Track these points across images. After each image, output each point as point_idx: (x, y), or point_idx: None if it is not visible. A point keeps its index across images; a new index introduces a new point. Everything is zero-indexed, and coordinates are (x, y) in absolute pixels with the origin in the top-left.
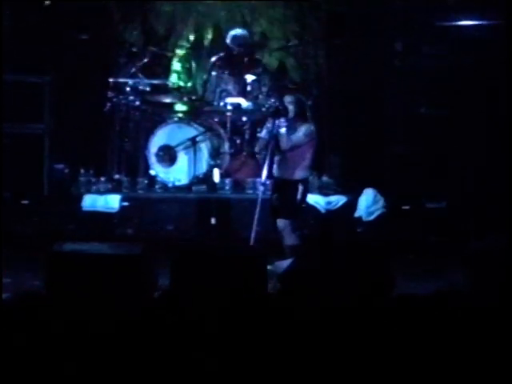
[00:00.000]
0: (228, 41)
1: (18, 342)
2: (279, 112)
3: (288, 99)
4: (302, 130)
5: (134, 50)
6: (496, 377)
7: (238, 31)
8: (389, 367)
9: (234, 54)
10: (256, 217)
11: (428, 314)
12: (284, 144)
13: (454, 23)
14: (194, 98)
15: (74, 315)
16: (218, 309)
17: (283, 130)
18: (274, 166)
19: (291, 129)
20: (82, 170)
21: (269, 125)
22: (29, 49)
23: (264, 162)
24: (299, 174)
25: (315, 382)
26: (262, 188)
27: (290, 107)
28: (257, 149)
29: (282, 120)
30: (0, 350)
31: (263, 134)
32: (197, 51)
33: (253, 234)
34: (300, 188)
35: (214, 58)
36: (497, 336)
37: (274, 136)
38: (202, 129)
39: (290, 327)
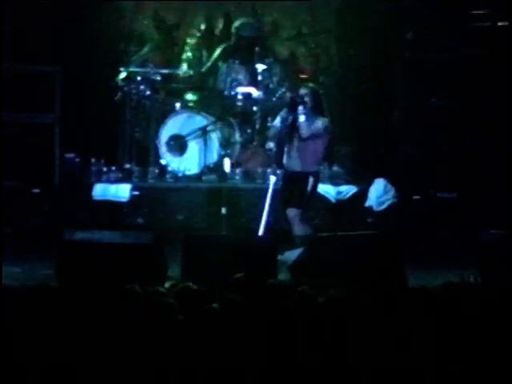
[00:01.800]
0: (236, 30)
1: (28, 330)
2: (295, 102)
3: (303, 91)
4: (320, 123)
5: (145, 39)
6: (505, 369)
7: (246, 20)
8: (399, 358)
9: (245, 44)
10: (266, 207)
11: (439, 306)
12: (304, 132)
13: (466, 15)
14: (204, 87)
15: (85, 303)
16: (229, 298)
17: (302, 119)
18: (285, 157)
19: (309, 119)
20: (93, 160)
21: (284, 114)
22: (40, 38)
23: (274, 151)
24: (310, 166)
25: (325, 371)
26: (274, 178)
27: (307, 98)
28: (269, 136)
29: (301, 108)
30: (10, 338)
31: (275, 122)
32: (207, 40)
33: (263, 224)
34: (310, 180)
35: (224, 47)
36: (507, 327)
37: (289, 126)
38: (212, 118)
39: (301, 316)
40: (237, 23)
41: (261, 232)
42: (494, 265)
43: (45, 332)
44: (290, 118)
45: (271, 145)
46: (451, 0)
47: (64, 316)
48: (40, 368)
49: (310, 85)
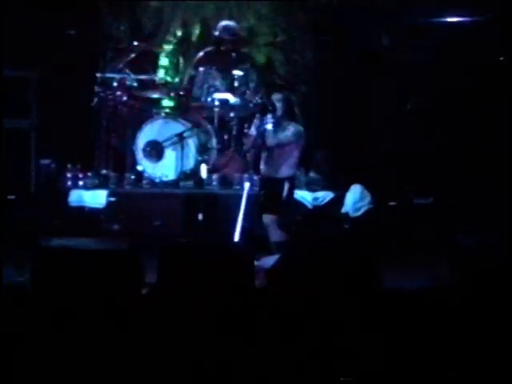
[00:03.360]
0: (217, 32)
1: (3, 336)
2: (266, 109)
3: (276, 97)
4: (291, 130)
5: (122, 45)
6: (483, 371)
7: (228, 22)
8: (376, 361)
9: (222, 50)
10: (242, 213)
11: (415, 310)
12: (270, 141)
13: (441, 19)
14: (181, 93)
15: (60, 310)
16: (206, 305)
17: (270, 127)
18: (261, 163)
19: (278, 126)
20: (69, 166)
21: (256, 121)
22: (15, 43)
23: (252, 159)
24: (285, 171)
25: (304, 374)
26: (248, 184)
27: (278, 105)
28: (245, 146)
29: (269, 117)
30: None
31: (251, 130)
32: (184, 47)
33: (238, 230)
34: (286, 186)
35: (201, 53)
36: (484, 331)
37: (261, 133)
38: (189, 124)
39: (279, 322)
40: (220, 24)
41: (237, 238)
42: (469, 268)
43: (20, 337)
44: (263, 125)
45: (248, 151)
46: (426, 1)
47: (39, 322)
48: (15, 372)
49: (283, 91)
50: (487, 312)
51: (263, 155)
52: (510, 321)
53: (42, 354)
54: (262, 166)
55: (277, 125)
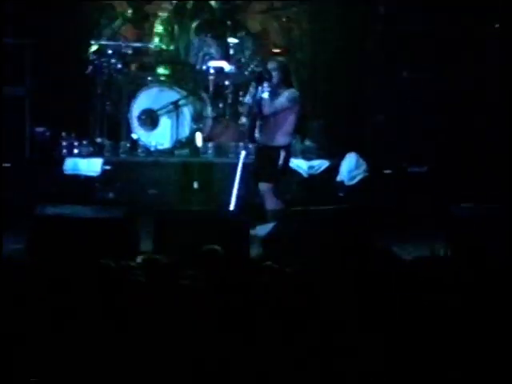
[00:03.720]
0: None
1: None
2: (262, 77)
3: (272, 65)
4: (285, 95)
5: (117, 12)
6: (478, 342)
7: None
8: (370, 332)
9: (217, 18)
10: (237, 181)
11: (409, 279)
12: (266, 109)
13: None
14: (176, 61)
15: (56, 278)
16: (201, 272)
17: (266, 95)
18: (256, 131)
19: (274, 94)
20: (64, 134)
21: (252, 90)
22: (10, 11)
23: (247, 127)
24: (281, 139)
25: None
26: (244, 152)
27: (274, 73)
28: (242, 115)
29: (266, 85)
30: None
31: (247, 99)
32: (179, 14)
33: (233, 199)
34: (282, 154)
35: (196, 21)
36: (477, 301)
37: (257, 101)
38: (184, 93)
39: (273, 291)
40: None
41: (232, 206)
42: (464, 238)
43: (16, 305)
44: (259, 93)
45: (244, 119)
46: None
47: (34, 290)
48: (11, 341)
49: (278, 59)
50: (481, 283)
51: (259, 124)
52: (506, 296)
53: (39, 324)
54: (257, 135)
55: (273, 93)
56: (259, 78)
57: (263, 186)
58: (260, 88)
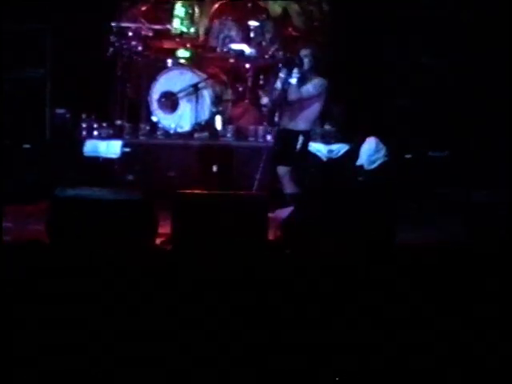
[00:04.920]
0: None
1: (20, 286)
2: (293, 62)
3: (304, 52)
4: (314, 83)
5: None
6: (495, 324)
7: None
8: (386, 314)
9: (238, 0)
10: (261, 165)
11: (428, 263)
12: (292, 95)
13: None
14: (196, 44)
15: (75, 260)
16: (220, 254)
17: (294, 81)
18: (276, 115)
19: (303, 81)
20: (84, 116)
21: (282, 75)
22: None
23: (268, 111)
24: (302, 125)
25: (314, 328)
26: (267, 136)
27: (306, 60)
28: (271, 100)
29: (295, 71)
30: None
31: (277, 84)
32: None
33: (256, 182)
34: (300, 138)
35: (216, 4)
36: (495, 286)
37: (285, 86)
38: (204, 75)
39: (291, 273)
40: None
41: (253, 189)
42: (484, 223)
43: (38, 285)
44: (288, 79)
45: (265, 100)
46: None
47: (55, 270)
48: (34, 321)
49: (311, 46)
50: (499, 267)
51: (284, 108)
52: None
53: (56, 304)
54: (280, 119)
55: (301, 80)
56: (290, 64)
57: (281, 170)
58: (289, 74)
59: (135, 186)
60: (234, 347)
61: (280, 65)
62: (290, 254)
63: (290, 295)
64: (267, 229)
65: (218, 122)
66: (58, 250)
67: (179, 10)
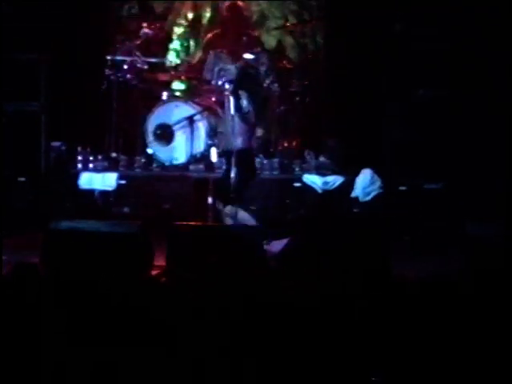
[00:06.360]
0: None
1: (14, 317)
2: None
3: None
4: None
5: (132, 28)
6: (490, 360)
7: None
8: (381, 347)
9: (232, 33)
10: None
11: (423, 298)
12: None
13: (453, 5)
14: (191, 76)
15: (70, 293)
16: (216, 287)
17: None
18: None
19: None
20: (79, 148)
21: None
22: (26, 26)
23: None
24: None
25: (311, 360)
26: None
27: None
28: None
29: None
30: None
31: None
32: (195, 30)
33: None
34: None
35: (210, 35)
36: (491, 320)
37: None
38: (199, 108)
39: (289, 306)
40: (230, 3)
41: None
42: (480, 256)
43: (30, 317)
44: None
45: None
46: None
47: (49, 304)
48: (26, 353)
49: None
50: (496, 303)
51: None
52: None
53: (50, 335)
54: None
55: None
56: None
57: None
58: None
59: (131, 218)
60: (233, 378)
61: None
62: (287, 285)
63: (288, 325)
64: (264, 260)
65: (214, 155)
66: (53, 282)
67: (174, 42)
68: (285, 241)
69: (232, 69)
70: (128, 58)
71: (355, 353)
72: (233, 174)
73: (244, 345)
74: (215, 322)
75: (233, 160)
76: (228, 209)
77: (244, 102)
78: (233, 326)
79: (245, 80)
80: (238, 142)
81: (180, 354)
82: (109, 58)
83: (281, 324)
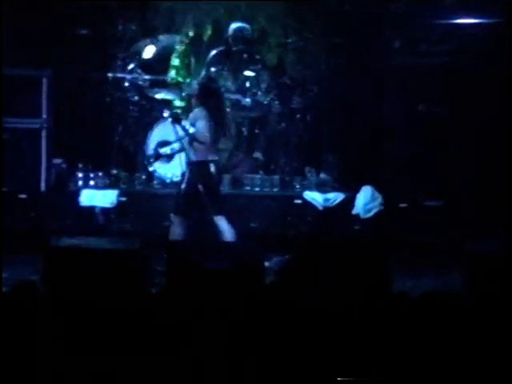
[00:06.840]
0: (229, 33)
1: (15, 336)
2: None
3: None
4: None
5: (133, 45)
6: (489, 375)
7: (240, 23)
8: (382, 363)
9: (233, 51)
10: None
11: (423, 314)
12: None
13: (452, 21)
14: (192, 94)
15: (71, 310)
16: (215, 303)
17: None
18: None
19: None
20: (80, 165)
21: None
22: (27, 43)
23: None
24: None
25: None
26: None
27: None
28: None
29: None
30: None
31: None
32: (196, 47)
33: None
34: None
35: (212, 53)
36: (492, 337)
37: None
38: None
39: (287, 321)
40: (232, 26)
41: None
42: (479, 273)
43: (30, 336)
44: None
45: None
46: (438, 6)
47: (49, 322)
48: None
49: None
50: (496, 318)
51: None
52: None
53: (50, 353)
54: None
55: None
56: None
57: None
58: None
59: (132, 235)
60: (233, 378)
61: None
62: (287, 302)
63: (288, 325)
64: (263, 277)
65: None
66: (53, 299)
67: (175, 60)
68: (285, 258)
69: (193, 84)
70: (129, 76)
71: (355, 353)
72: (183, 186)
73: (244, 345)
74: (215, 322)
75: (187, 173)
76: (172, 216)
77: (188, 124)
78: (233, 326)
79: (206, 96)
80: (193, 156)
81: (180, 355)
82: (110, 75)
83: (281, 324)
